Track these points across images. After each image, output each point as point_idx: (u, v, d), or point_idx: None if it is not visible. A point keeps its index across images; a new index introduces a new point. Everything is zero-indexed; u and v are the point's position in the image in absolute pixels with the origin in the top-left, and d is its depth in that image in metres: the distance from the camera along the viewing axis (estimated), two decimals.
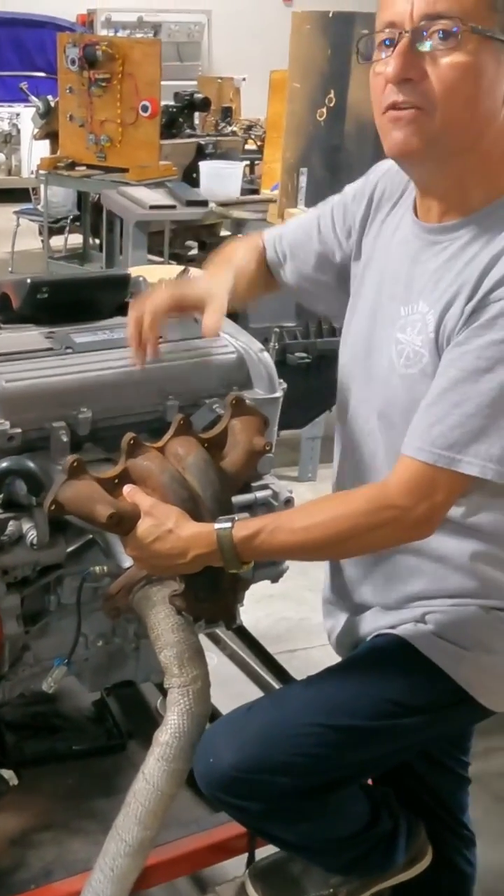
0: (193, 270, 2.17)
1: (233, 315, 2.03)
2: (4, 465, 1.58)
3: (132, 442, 1.52)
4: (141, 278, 1.97)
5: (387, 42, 1.38)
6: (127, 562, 1.58)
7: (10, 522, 1.61)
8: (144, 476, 1.50)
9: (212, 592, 1.49)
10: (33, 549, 1.61)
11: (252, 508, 1.85)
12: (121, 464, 1.52)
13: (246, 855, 1.87)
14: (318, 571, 4.10)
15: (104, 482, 1.49)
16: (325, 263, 1.71)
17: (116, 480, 1.49)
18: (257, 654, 2.47)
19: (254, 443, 1.62)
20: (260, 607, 3.59)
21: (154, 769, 1.52)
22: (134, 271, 2.24)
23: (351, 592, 1.74)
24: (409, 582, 1.60)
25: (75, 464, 1.48)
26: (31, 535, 1.60)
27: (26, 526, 1.61)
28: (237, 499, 1.84)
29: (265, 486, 1.88)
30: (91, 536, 1.66)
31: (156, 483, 1.49)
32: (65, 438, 1.65)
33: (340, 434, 1.70)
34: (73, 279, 1.95)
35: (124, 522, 1.45)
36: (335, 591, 1.82)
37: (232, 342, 1.87)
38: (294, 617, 3.67)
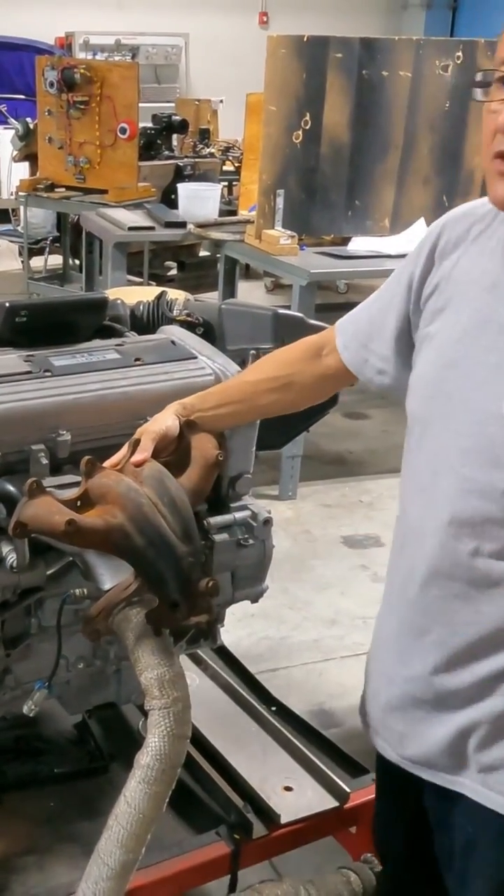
0: (171, 292, 2.19)
1: (210, 337, 2.05)
2: None
3: (90, 464, 1.54)
4: (119, 301, 1.99)
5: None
6: (107, 584, 1.58)
7: None
8: (103, 492, 1.51)
9: (186, 598, 1.49)
10: (13, 571, 1.62)
11: (231, 528, 1.87)
12: (81, 486, 1.53)
13: (228, 877, 1.87)
14: (298, 590, 4.13)
15: (66, 504, 1.50)
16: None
17: (78, 503, 1.50)
18: (239, 675, 2.47)
19: (206, 455, 1.64)
20: (241, 627, 3.59)
21: (135, 792, 1.52)
22: (112, 293, 2.25)
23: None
24: None
25: (34, 485, 1.49)
26: (11, 557, 1.61)
27: (6, 549, 1.62)
28: (216, 519, 1.85)
29: (244, 507, 1.89)
30: (71, 559, 1.66)
31: (114, 496, 1.49)
32: (44, 461, 1.66)
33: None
34: (51, 302, 1.96)
35: (84, 532, 1.46)
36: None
37: (209, 364, 1.89)
38: (275, 636, 3.68)
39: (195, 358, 1.90)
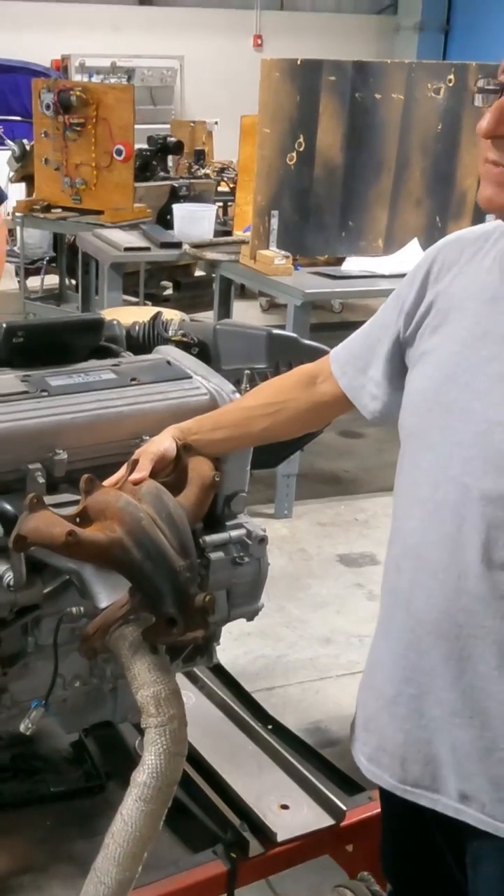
0: (166, 312, 2.21)
1: (205, 357, 2.07)
2: None
3: (89, 481, 1.56)
4: (115, 321, 2.00)
5: (494, 91, 1.33)
6: (103, 602, 1.59)
7: None
8: (102, 508, 1.53)
9: (182, 613, 1.50)
10: (10, 590, 1.63)
11: (226, 546, 1.88)
12: (81, 503, 1.55)
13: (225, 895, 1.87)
14: (294, 608, 4.13)
15: (66, 520, 1.52)
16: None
17: (77, 519, 1.52)
18: (235, 693, 2.47)
19: (203, 476, 1.67)
20: (237, 645, 3.60)
21: (132, 810, 1.52)
22: (108, 313, 2.28)
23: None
24: None
25: (35, 499, 1.52)
26: (8, 576, 1.62)
27: (3, 567, 1.63)
28: (212, 538, 1.87)
29: (239, 525, 1.90)
30: (68, 577, 1.67)
31: (113, 511, 1.51)
32: (41, 480, 1.68)
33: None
34: (47, 323, 1.98)
35: (83, 544, 1.48)
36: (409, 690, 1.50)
37: (204, 384, 1.91)
38: (271, 654, 3.68)
39: (190, 378, 1.92)
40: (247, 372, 2.02)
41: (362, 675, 1.63)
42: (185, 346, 2.09)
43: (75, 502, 1.58)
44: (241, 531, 1.90)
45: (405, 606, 1.46)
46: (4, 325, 1.84)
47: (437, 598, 1.41)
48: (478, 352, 1.37)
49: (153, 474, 1.62)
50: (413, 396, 1.48)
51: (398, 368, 1.54)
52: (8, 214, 8.69)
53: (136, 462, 1.63)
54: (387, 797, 1.61)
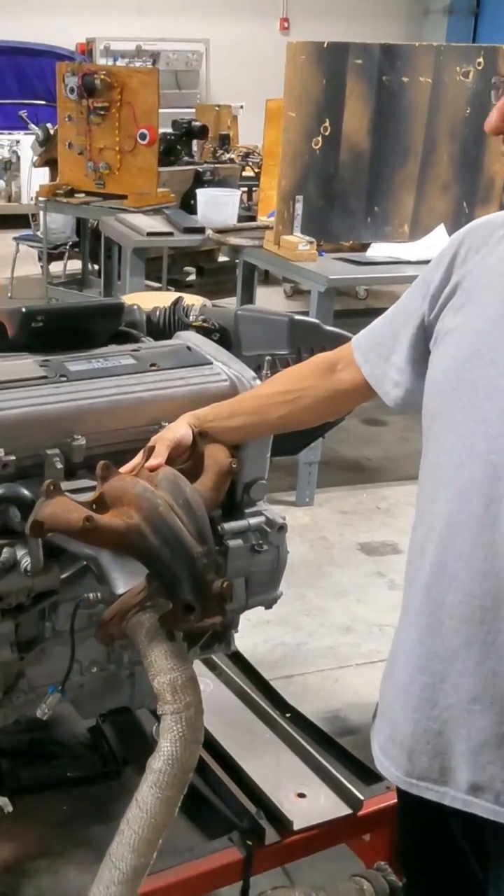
0: (187, 297, 2.20)
1: (226, 342, 2.05)
2: None
3: (106, 468, 1.55)
4: (135, 306, 1.99)
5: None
6: (121, 588, 1.59)
7: (5, 549, 1.63)
8: (119, 494, 1.52)
9: (200, 599, 1.49)
10: (27, 575, 1.63)
11: (245, 534, 1.87)
12: (97, 489, 1.55)
13: (241, 883, 1.87)
14: (314, 596, 4.12)
15: (83, 506, 1.52)
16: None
17: (94, 506, 1.52)
18: (253, 680, 2.47)
19: (220, 463, 1.66)
20: (257, 633, 3.59)
21: (147, 796, 1.52)
22: (129, 298, 2.27)
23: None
24: None
25: (51, 486, 1.52)
26: (26, 561, 1.62)
27: (20, 552, 1.63)
28: (230, 525, 1.86)
29: (258, 513, 1.89)
30: (85, 563, 1.67)
31: (130, 497, 1.51)
32: (59, 465, 1.67)
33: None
34: (67, 308, 1.98)
35: (100, 530, 1.47)
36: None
37: (224, 370, 1.89)
38: (291, 642, 3.68)
39: (210, 364, 1.91)
40: (268, 358, 2.00)
41: (386, 663, 1.61)
42: (205, 331, 2.07)
43: (92, 488, 1.58)
44: (261, 519, 1.89)
45: (425, 591, 1.44)
46: (24, 310, 1.83)
47: (461, 581, 1.38)
48: (503, 328, 1.36)
49: (169, 461, 1.61)
50: (436, 376, 1.45)
51: (422, 354, 1.52)
52: (31, 199, 8.72)
53: (152, 449, 1.62)
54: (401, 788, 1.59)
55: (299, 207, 4.77)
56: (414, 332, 1.52)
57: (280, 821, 1.97)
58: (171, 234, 5.63)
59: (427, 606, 1.44)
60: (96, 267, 7.77)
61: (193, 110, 8.61)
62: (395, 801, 1.76)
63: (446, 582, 1.41)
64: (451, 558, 1.40)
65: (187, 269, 7.31)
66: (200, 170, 6.69)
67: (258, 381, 1.90)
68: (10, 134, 10.64)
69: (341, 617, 3.88)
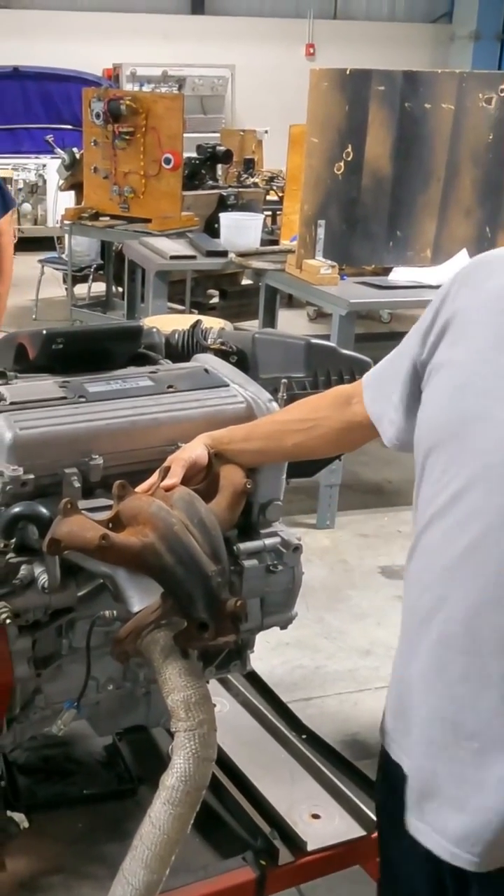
0: (206, 320, 2.22)
1: (243, 365, 2.07)
2: (17, 510, 1.63)
3: (122, 487, 1.58)
4: (154, 329, 2.02)
5: None
6: (136, 606, 1.60)
7: (23, 566, 1.65)
8: (134, 513, 1.55)
9: (214, 617, 1.51)
10: (45, 592, 1.65)
11: (260, 554, 1.88)
12: (113, 508, 1.57)
13: None
14: (334, 619, 4.11)
15: (99, 525, 1.54)
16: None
17: (110, 525, 1.54)
18: (269, 701, 2.47)
19: (235, 483, 1.69)
20: (275, 655, 3.60)
21: (160, 813, 1.53)
22: (149, 321, 2.30)
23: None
24: None
25: (69, 504, 1.54)
26: (43, 578, 1.64)
27: (38, 570, 1.65)
28: (245, 545, 1.87)
29: (274, 534, 1.90)
30: (101, 581, 1.69)
31: (146, 516, 1.53)
32: (76, 484, 1.70)
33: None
34: (86, 330, 2.01)
35: (116, 548, 1.50)
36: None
37: (241, 392, 1.91)
38: (310, 665, 3.68)
39: (227, 386, 1.93)
40: (284, 381, 2.02)
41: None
42: (223, 354, 2.09)
43: (109, 507, 1.60)
44: (276, 539, 1.90)
45: (428, 621, 1.44)
46: (45, 332, 1.86)
47: (457, 609, 1.38)
48: (496, 359, 1.35)
49: (185, 481, 1.63)
50: (429, 411, 1.44)
51: (413, 394, 1.51)
52: (57, 222, 8.82)
53: (167, 469, 1.64)
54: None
55: (321, 232, 4.81)
56: (407, 372, 1.51)
57: (294, 841, 1.97)
58: (193, 257, 5.68)
59: (430, 637, 1.44)
60: (120, 289, 7.84)
61: (218, 135, 8.70)
62: None
63: (446, 611, 1.40)
64: (457, 592, 1.38)
65: (210, 292, 7.36)
66: (224, 194, 6.76)
67: (274, 404, 1.92)
68: (36, 158, 10.80)
69: (360, 640, 3.87)
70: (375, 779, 1.68)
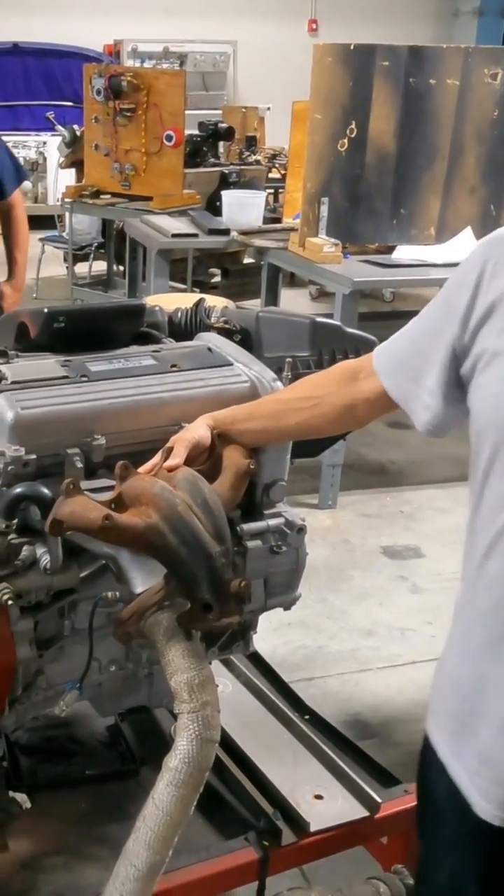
0: (209, 299, 2.20)
1: (247, 344, 2.05)
2: (19, 490, 1.62)
3: (124, 468, 1.56)
4: (157, 307, 2.00)
5: None
6: (139, 587, 1.59)
7: (25, 547, 1.64)
8: (137, 494, 1.53)
9: (217, 598, 1.50)
10: (47, 573, 1.64)
11: (264, 535, 1.87)
12: (116, 489, 1.56)
13: (256, 883, 1.87)
14: (336, 599, 4.12)
15: (101, 505, 1.53)
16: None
17: (112, 505, 1.53)
18: (272, 682, 2.47)
19: (238, 464, 1.67)
20: (277, 635, 3.60)
21: (163, 794, 1.52)
22: (151, 300, 2.27)
23: None
24: None
25: (71, 484, 1.53)
26: (45, 559, 1.63)
27: (40, 551, 1.64)
28: (249, 526, 1.86)
29: (278, 514, 1.89)
30: (104, 562, 1.68)
31: (148, 497, 1.52)
32: (79, 464, 1.68)
33: None
34: (88, 309, 1.99)
35: (119, 529, 1.48)
36: None
37: (245, 371, 1.89)
38: (312, 645, 3.68)
39: (231, 365, 1.91)
40: (289, 360, 2.00)
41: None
42: (227, 333, 2.07)
43: (111, 488, 1.59)
44: (280, 520, 1.89)
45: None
46: (46, 310, 1.84)
47: None
48: None
49: (188, 462, 1.62)
50: (493, 401, 1.38)
51: (453, 379, 1.46)
52: (57, 200, 8.77)
53: (170, 449, 1.63)
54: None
55: (324, 209, 4.77)
56: (445, 355, 1.45)
57: (297, 822, 1.97)
58: (195, 235, 5.64)
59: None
60: (121, 268, 7.81)
61: (220, 112, 8.63)
62: (413, 804, 1.75)
63: None
64: None
65: (212, 270, 7.32)
66: (226, 171, 6.72)
67: (279, 383, 1.90)
68: (37, 135, 10.72)
69: (363, 620, 3.87)
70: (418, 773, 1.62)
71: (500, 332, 1.38)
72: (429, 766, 1.55)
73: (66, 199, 7.04)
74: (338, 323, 2.22)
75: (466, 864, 1.52)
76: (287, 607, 2.00)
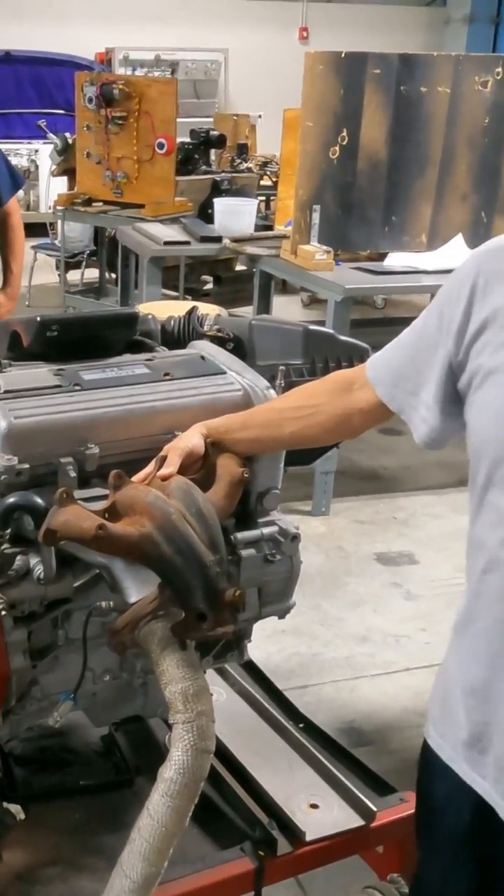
0: (202, 307, 2.20)
1: (240, 352, 2.05)
2: (12, 500, 1.61)
3: (118, 477, 1.56)
4: (150, 315, 2.00)
5: None
6: (133, 597, 1.59)
7: (18, 557, 1.63)
8: (131, 503, 1.53)
9: (212, 608, 1.50)
10: (40, 583, 1.63)
11: (258, 544, 1.87)
12: (109, 498, 1.55)
13: (252, 893, 1.86)
14: (330, 606, 4.12)
15: (95, 515, 1.53)
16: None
17: (106, 514, 1.52)
18: (266, 690, 2.46)
19: (232, 473, 1.67)
20: (271, 643, 3.59)
21: (158, 805, 1.52)
22: (144, 307, 2.27)
23: None
24: None
25: (64, 494, 1.53)
26: (38, 569, 1.63)
27: (34, 560, 1.63)
28: (243, 535, 1.85)
29: (271, 523, 1.89)
30: (98, 571, 1.67)
31: (142, 506, 1.52)
32: (72, 474, 1.68)
33: None
34: (81, 317, 1.98)
35: (113, 538, 1.48)
36: None
37: (238, 379, 1.89)
38: (306, 652, 3.67)
39: (224, 373, 1.91)
40: (282, 368, 2.00)
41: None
42: (220, 341, 2.07)
43: (105, 497, 1.58)
44: (274, 528, 1.88)
45: None
46: (39, 319, 1.84)
47: None
48: None
49: (181, 471, 1.61)
50: (491, 419, 1.38)
51: (449, 394, 1.46)
52: (49, 208, 8.77)
53: (164, 458, 1.63)
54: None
55: (316, 217, 4.78)
56: (441, 370, 1.45)
57: (292, 831, 1.96)
58: (187, 243, 5.64)
59: None
60: (113, 276, 7.81)
61: (212, 119, 8.64)
62: (410, 812, 1.75)
63: None
64: None
65: (204, 278, 7.32)
66: (218, 179, 6.71)
67: (272, 391, 1.90)
68: (28, 143, 10.72)
69: (357, 627, 3.87)
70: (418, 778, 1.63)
71: (495, 348, 1.37)
72: (431, 767, 1.56)
73: (58, 207, 7.03)
74: (331, 331, 2.22)
75: (463, 865, 1.54)
76: (281, 616, 2.00)
